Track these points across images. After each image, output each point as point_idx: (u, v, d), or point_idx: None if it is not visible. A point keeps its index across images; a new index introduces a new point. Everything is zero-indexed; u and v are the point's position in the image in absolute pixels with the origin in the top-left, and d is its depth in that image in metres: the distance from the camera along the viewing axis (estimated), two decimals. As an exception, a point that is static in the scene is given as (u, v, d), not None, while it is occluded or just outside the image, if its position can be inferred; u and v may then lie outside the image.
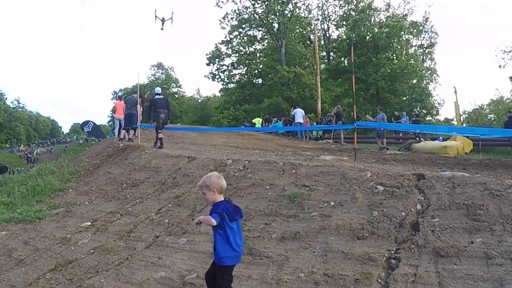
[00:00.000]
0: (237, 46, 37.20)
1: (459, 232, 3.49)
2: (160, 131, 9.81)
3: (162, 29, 27.11)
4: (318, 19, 38.99)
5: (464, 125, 21.40)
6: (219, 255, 2.81)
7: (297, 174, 5.59)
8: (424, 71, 33.01)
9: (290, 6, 34.98)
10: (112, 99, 64.13)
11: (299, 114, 18.74)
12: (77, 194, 7.39)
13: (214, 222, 2.70)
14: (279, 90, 33.11)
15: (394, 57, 31.72)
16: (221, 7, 36.74)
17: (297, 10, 35.79)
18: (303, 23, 36.57)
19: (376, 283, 3.10)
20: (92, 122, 22.99)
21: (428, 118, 32.09)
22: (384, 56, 31.12)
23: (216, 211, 2.74)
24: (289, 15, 34.39)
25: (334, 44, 34.95)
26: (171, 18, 26.66)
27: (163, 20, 26.67)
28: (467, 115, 37.40)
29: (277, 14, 33.97)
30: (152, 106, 10.13)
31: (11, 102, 76.70)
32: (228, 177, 6.11)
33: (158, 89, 10.47)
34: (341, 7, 36.93)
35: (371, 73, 29.82)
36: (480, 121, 33.51)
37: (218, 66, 38.00)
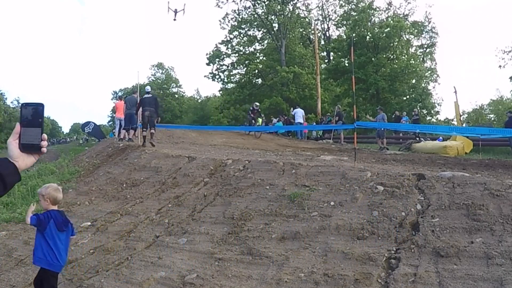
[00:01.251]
0: (237, 46, 37.19)
1: (459, 232, 3.49)
2: (144, 129, 9.96)
3: (174, 19, 29.22)
4: (318, 19, 39.01)
5: (464, 125, 21.38)
6: (37, 255, 3.08)
7: (297, 174, 5.59)
8: (424, 71, 32.98)
9: (290, 6, 34.96)
10: (112, 99, 64.04)
11: (299, 114, 18.76)
12: (77, 194, 7.39)
13: (28, 221, 3.08)
14: (278, 90, 33.11)
15: (394, 57, 31.69)
16: (221, 7, 36.78)
17: (297, 10, 35.79)
18: (303, 23, 36.55)
19: (376, 283, 3.10)
20: (93, 122, 23.10)
21: (428, 118, 32.06)
22: (384, 56, 31.08)
23: (39, 215, 3.10)
24: (289, 15, 34.37)
25: (334, 44, 34.91)
26: (183, 9, 27.98)
27: (175, 11, 27.98)
28: (467, 115, 37.38)
29: (277, 14, 33.96)
30: (140, 105, 10.32)
31: (11, 102, 76.50)
32: (228, 177, 6.12)
33: (147, 88, 10.67)
34: (341, 7, 36.93)
35: (371, 73, 29.78)
36: (480, 121, 33.48)
37: (218, 66, 38.01)
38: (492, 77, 79.54)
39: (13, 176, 1.12)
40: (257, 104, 18.34)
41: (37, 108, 1.13)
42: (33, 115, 1.13)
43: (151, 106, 9.98)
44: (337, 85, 33.52)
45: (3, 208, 7.10)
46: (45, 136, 1.15)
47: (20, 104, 1.15)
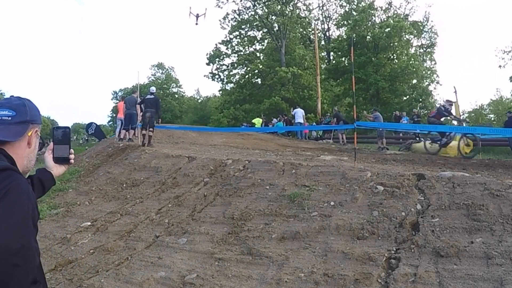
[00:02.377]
0: (237, 46, 37.19)
1: (459, 232, 3.49)
2: (144, 129, 10.12)
3: (196, 24, 30.62)
4: (318, 19, 39.05)
5: (464, 125, 21.29)
6: None
7: (297, 174, 5.59)
8: (424, 72, 32.99)
9: (290, 6, 34.94)
10: (112, 99, 64.06)
11: (299, 114, 18.76)
12: (77, 194, 7.39)
13: None
14: (278, 91, 33.10)
15: (395, 57, 31.70)
16: (221, 7, 36.77)
17: (297, 10, 35.78)
18: (303, 23, 36.55)
19: (376, 283, 3.10)
20: (95, 124, 23.49)
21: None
22: (384, 56, 31.09)
23: None
24: (289, 15, 34.34)
25: (334, 44, 34.93)
26: (204, 14, 29.37)
27: (197, 16, 29.26)
28: (467, 115, 37.37)
29: (277, 14, 33.96)
30: (141, 105, 10.52)
31: (11, 102, 76.59)
32: (228, 177, 6.12)
33: (152, 89, 10.84)
34: (342, 7, 36.95)
35: (371, 73, 29.80)
36: (480, 121, 33.46)
37: (218, 66, 38.02)
38: (492, 77, 79.52)
39: (50, 181, 1.52)
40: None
41: (65, 130, 1.53)
42: (62, 135, 1.52)
43: (152, 107, 10.12)
44: (337, 85, 33.55)
45: None
46: (72, 151, 1.53)
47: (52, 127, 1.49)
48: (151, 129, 10.05)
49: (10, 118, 1.25)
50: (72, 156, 1.53)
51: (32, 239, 1.13)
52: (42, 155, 1.60)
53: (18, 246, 1.05)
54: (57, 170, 1.53)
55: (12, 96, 1.34)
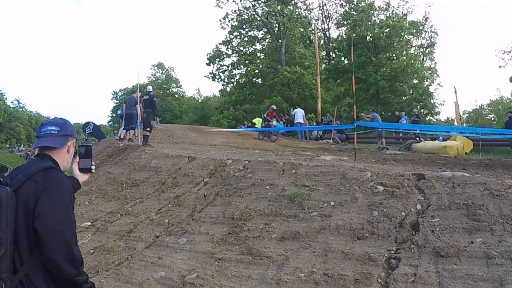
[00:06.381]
0: (237, 47, 37.15)
1: (459, 232, 3.49)
2: (148, 129, 10.41)
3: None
4: (318, 19, 39.05)
5: (464, 125, 21.36)
6: None
7: (297, 174, 5.59)
8: (425, 72, 32.95)
9: (290, 6, 34.91)
10: (112, 99, 64.05)
11: (299, 114, 18.75)
12: (77, 194, 7.33)
13: None
14: (279, 90, 33.05)
15: (394, 57, 31.66)
16: (221, 7, 36.74)
17: (297, 10, 35.75)
18: (303, 23, 36.52)
19: (376, 283, 3.10)
20: (93, 123, 23.05)
21: (428, 118, 32.01)
22: (384, 56, 31.05)
23: None
24: (289, 15, 34.30)
25: (334, 44, 34.90)
26: None
27: None
28: (467, 115, 37.39)
29: (277, 14, 33.90)
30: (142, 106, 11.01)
31: (11, 102, 76.45)
32: (228, 177, 6.12)
33: (149, 88, 11.13)
34: (342, 7, 36.92)
35: (371, 73, 29.76)
36: (480, 121, 33.46)
37: (218, 66, 37.98)
38: (492, 77, 79.57)
39: (77, 185, 2.02)
40: None
41: (88, 148, 2.01)
42: (85, 151, 1.99)
43: (148, 107, 10.48)
44: (337, 85, 33.52)
45: None
46: (93, 163, 2.04)
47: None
48: (147, 128, 10.28)
49: (56, 132, 1.81)
50: (93, 167, 2.04)
51: (72, 214, 1.67)
52: (72, 165, 2.06)
53: (64, 217, 1.61)
54: (82, 177, 2.04)
55: (56, 117, 1.93)
